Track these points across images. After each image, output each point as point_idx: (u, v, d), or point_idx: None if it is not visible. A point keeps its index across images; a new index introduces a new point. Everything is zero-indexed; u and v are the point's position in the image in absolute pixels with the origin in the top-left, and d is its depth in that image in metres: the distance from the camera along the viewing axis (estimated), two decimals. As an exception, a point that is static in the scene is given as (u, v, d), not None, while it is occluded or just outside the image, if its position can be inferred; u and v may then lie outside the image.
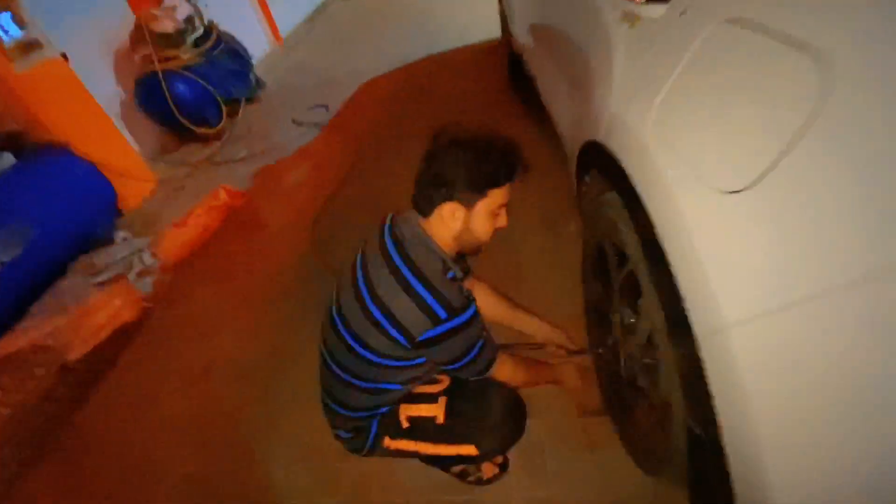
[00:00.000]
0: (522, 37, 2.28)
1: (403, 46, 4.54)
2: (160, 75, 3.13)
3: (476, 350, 0.96)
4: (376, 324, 0.91)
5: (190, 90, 3.28)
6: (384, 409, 1.05)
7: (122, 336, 1.98)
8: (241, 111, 3.81)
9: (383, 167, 2.66)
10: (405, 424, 1.03)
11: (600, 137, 0.92)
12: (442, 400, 1.02)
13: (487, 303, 1.31)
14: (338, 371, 1.01)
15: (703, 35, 0.68)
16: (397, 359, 0.95)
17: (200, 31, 3.51)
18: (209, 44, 3.50)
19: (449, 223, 0.94)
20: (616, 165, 0.85)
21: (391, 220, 1.01)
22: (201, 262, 2.32)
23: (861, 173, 0.46)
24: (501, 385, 1.06)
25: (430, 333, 0.89)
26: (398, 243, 0.94)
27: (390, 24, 5.62)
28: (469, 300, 0.93)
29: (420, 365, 0.98)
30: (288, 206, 2.63)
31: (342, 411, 1.06)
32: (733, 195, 0.56)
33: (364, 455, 1.12)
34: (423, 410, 1.03)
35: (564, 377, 1.22)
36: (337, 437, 1.13)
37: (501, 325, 1.37)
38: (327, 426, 1.42)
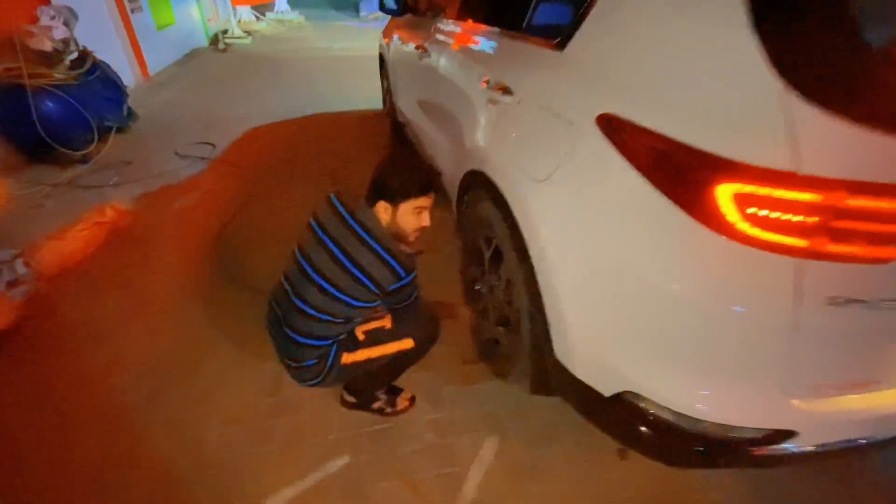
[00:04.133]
0: (407, 109, 2.97)
1: (286, 102, 4.96)
2: (28, 90, 2.98)
3: (415, 294, 1.42)
4: (356, 278, 1.29)
5: (60, 109, 3.17)
6: (343, 336, 1.42)
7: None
8: (110, 139, 3.70)
9: (277, 199, 2.97)
10: (361, 337, 1.40)
11: (478, 167, 1.56)
12: (387, 316, 1.44)
13: None
14: (312, 312, 1.33)
15: (528, 113, 1.36)
16: (367, 301, 1.34)
17: (75, 54, 3.45)
18: (85, 68, 3.45)
19: (381, 214, 1.34)
20: (489, 181, 1.47)
21: (336, 196, 1.39)
22: (87, 274, 2.27)
23: (582, 172, 1.13)
24: (431, 311, 1.54)
25: (395, 286, 1.32)
26: (353, 216, 1.32)
27: (267, 80, 6.00)
28: (414, 262, 1.34)
29: (378, 306, 1.41)
30: (180, 227, 2.73)
31: (310, 342, 1.36)
32: (541, 183, 1.21)
33: (320, 381, 1.41)
34: (375, 324, 1.42)
35: (459, 312, 1.83)
36: (298, 369, 1.40)
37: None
38: (259, 395, 1.68)
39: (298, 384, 1.46)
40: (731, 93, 0.82)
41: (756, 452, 1.03)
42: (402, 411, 1.62)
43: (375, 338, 1.42)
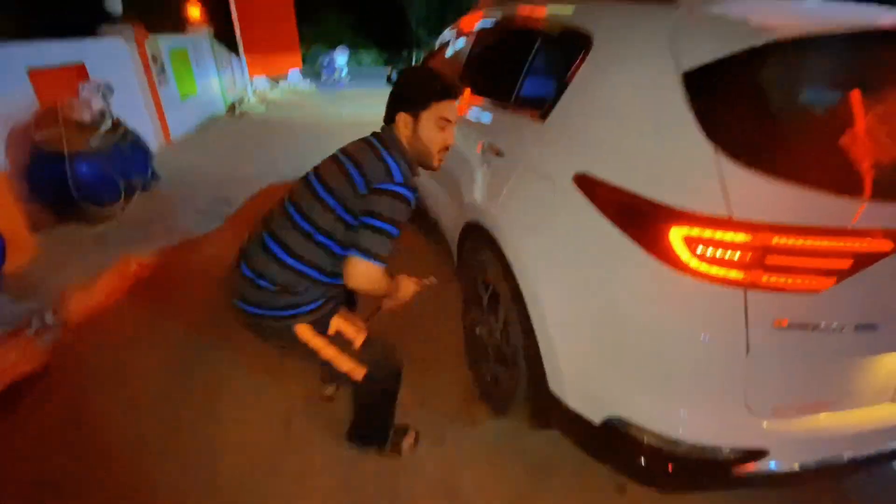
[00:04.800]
0: (411, 167, 3.24)
1: (298, 163, 5.28)
2: (66, 156, 3.27)
3: (391, 230, 1.18)
4: (346, 172, 1.20)
5: (92, 173, 3.45)
6: (319, 302, 1.29)
7: (19, 387, 1.96)
8: (134, 198, 3.97)
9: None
10: (332, 331, 1.30)
11: (477, 219, 1.75)
12: (363, 336, 1.33)
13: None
14: (299, 220, 1.24)
15: (517, 172, 1.57)
16: (347, 211, 1.20)
17: (110, 123, 3.79)
18: (117, 135, 3.78)
19: (402, 129, 1.24)
20: (485, 232, 1.66)
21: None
22: (111, 322, 2.41)
23: (564, 221, 1.30)
24: (398, 361, 1.43)
25: (383, 186, 1.16)
26: (374, 134, 1.30)
27: (280, 144, 6.42)
28: (416, 189, 1.22)
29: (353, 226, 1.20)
30: (198, 277, 2.89)
31: (289, 260, 1.24)
32: (530, 231, 1.38)
33: (261, 314, 1.28)
34: (350, 332, 1.32)
35: (401, 290, 1.44)
36: (250, 286, 1.26)
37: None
38: (272, 431, 1.76)
39: (235, 301, 1.33)
40: (676, 155, 1.02)
41: (737, 472, 1.12)
42: (408, 450, 1.70)
43: (340, 342, 1.32)
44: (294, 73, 12.05)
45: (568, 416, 1.32)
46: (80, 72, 4.32)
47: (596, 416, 1.25)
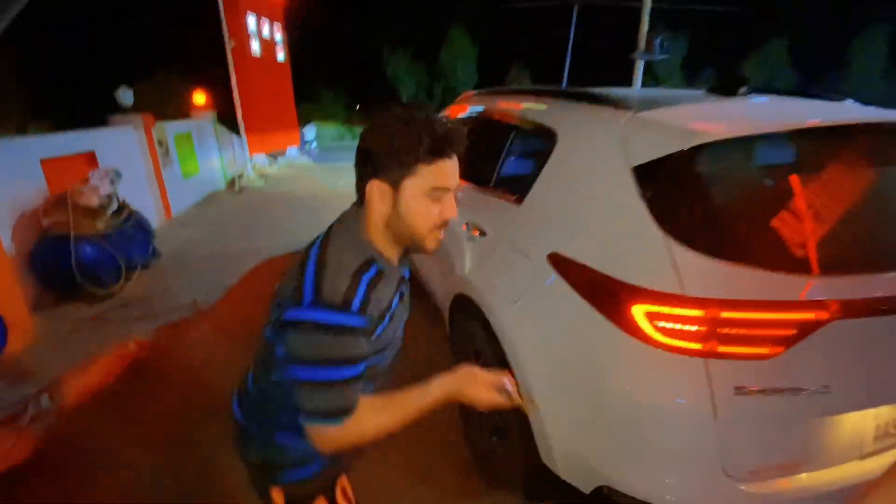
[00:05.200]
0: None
1: (295, 237, 5.47)
2: (72, 240, 3.41)
3: (321, 374, 0.78)
4: (276, 291, 0.88)
5: (96, 255, 3.57)
6: (304, 470, 0.99)
7: (12, 475, 1.94)
8: (134, 276, 4.07)
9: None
10: None
11: (464, 291, 1.86)
12: None
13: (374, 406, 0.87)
14: (269, 358, 0.93)
15: (498, 250, 1.71)
16: (273, 341, 0.88)
17: (116, 206, 3.98)
18: (122, 217, 3.95)
19: (376, 205, 0.81)
20: (472, 302, 1.76)
21: None
22: (107, 405, 2.41)
23: (542, 297, 1.42)
24: None
25: (289, 314, 0.79)
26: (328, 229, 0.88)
27: (278, 218, 6.66)
28: (351, 305, 0.77)
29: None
30: (196, 357, 2.93)
31: (266, 404, 0.97)
32: (513, 305, 1.49)
33: (252, 474, 1.06)
34: None
35: (466, 389, 0.93)
36: (244, 433, 1.04)
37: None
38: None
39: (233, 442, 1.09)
40: (632, 238, 1.16)
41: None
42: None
43: None
44: (292, 150, 12.70)
45: (559, 487, 1.35)
46: (91, 159, 4.59)
47: (586, 486, 1.28)
